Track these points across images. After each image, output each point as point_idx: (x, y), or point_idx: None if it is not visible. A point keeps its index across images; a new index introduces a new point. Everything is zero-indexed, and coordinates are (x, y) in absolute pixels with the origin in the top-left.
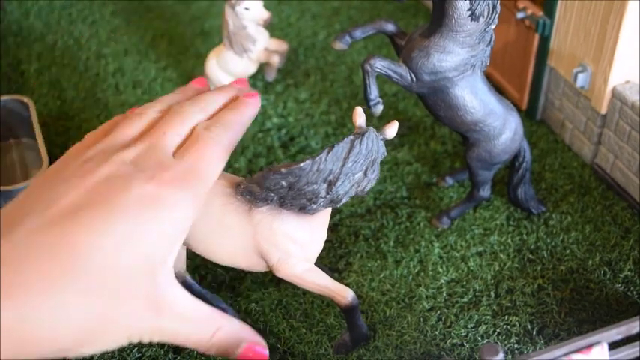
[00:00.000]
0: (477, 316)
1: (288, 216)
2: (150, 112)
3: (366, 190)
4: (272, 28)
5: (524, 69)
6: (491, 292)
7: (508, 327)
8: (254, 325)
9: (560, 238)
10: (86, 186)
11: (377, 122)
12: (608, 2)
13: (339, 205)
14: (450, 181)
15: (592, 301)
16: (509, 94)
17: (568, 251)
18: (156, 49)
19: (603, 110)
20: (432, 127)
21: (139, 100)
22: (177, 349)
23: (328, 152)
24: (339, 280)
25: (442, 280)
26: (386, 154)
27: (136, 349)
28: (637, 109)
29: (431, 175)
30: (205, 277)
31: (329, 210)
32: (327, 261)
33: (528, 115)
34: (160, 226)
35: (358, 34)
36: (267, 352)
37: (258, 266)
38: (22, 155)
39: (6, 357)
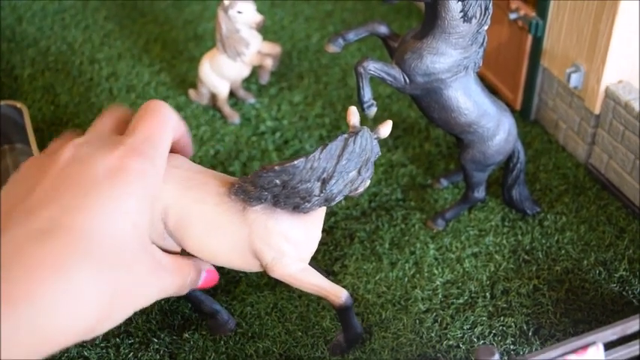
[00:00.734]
0: (472, 317)
1: (282, 215)
2: None
3: (360, 189)
4: (265, 30)
5: (518, 69)
6: (487, 294)
7: (504, 328)
8: (250, 329)
9: (556, 238)
10: (52, 173)
11: (371, 124)
12: (601, 2)
13: (333, 204)
14: (444, 182)
15: (587, 301)
16: (503, 95)
17: (563, 251)
18: (149, 54)
19: (597, 110)
20: (426, 129)
21: (133, 104)
22: (172, 354)
23: (322, 150)
24: (335, 282)
25: (438, 282)
26: (380, 153)
27: (131, 353)
28: (630, 108)
29: (425, 177)
30: None
31: (323, 209)
32: (323, 264)
33: (522, 116)
34: (134, 194)
35: (351, 36)
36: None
37: (252, 266)
38: (16, 161)
39: (37, 356)
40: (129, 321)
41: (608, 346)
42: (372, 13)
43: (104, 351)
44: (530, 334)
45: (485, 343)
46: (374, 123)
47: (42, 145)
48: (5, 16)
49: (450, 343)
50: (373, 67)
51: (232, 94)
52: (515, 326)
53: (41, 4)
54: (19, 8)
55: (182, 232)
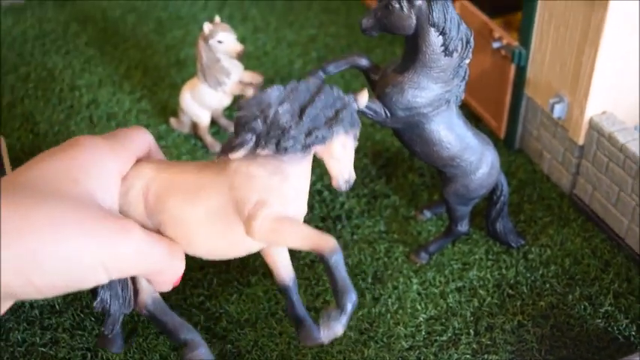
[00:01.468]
0: (456, 355)
1: (264, 161)
2: None
3: (334, 145)
4: (248, 56)
5: (502, 98)
6: (471, 330)
7: None
8: None
9: (540, 272)
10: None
11: (357, 152)
12: (583, 33)
13: (316, 144)
14: (427, 214)
15: (573, 337)
16: (487, 123)
17: (548, 285)
18: (131, 80)
19: (581, 141)
20: (410, 159)
21: None
22: None
23: (299, 81)
24: (317, 318)
25: (421, 318)
26: (360, 126)
27: None
28: (614, 140)
29: (409, 208)
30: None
31: (308, 165)
32: (304, 299)
33: (506, 145)
34: (79, 159)
35: (331, 69)
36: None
37: (233, 237)
38: None
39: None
40: (106, 359)
41: None
42: (356, 38)
43: None
44: None
45: None
46: (356, 153)
47: None
48: None
49: None
50: None
51: (214, 122)
52: None
53: (21, 28)
54: None
55: (162, 206)
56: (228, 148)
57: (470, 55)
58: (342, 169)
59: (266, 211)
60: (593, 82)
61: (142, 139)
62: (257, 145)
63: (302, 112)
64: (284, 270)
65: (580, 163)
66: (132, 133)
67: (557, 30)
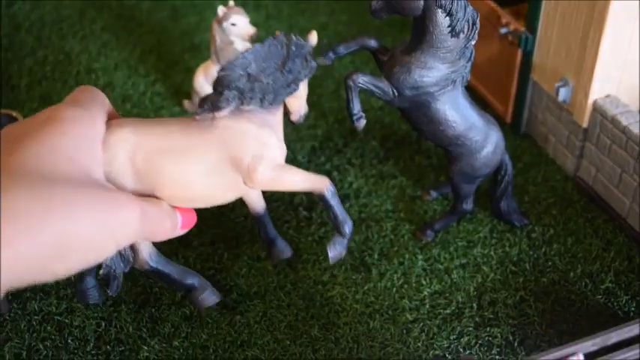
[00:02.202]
0: (459, 327)
1: (250, 115)
2: None
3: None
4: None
5: (509, 83)
6: (474, 304)
7: (490, 338)
8: (239, 337)
9: (543, 250)
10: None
11: (363, 136)
12: (588, 18)
13: (293, 92)
14: (434, 194)
15: (573, 312)
16: (494, 108)
17: (550, 263)
18: (145, 64)
19: (585, 124)
20: (417, 141)
21: (128, 114)
22: None
23: (271, 38)
24: (324, 292)
25: (425, 292)
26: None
27: None
28: (617, 122)
29: (415, 189)
30: None
31: (282, 110)
32: (312, 273)
33: (513, 129)
34: (67, 134)
35: (341, 50)
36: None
37: (231, 187)
38: None
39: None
40: (120, 328)
41: (611, 349)
42: (367, 26)
43: (95, 358)
44: (515, 344)
45: (471, 353)
46: (365, 135)
47: None
48: (3, 26)
49: (437, 352)
50: (362, 80)
51: None
52: (502, 337)
53: (39, 13)
54: (17, 17)
55: (155, 170)
56: (213, 106)
57: (476, 36)
58: (301, 105)
59: (264, 162)
60: (597, 66)
61: (104, 99)
62: (241, 102)
63: (283, 66)
64: (257, 203)
65: (584, 146)
66: (96, 94)
67: (562, 15)
